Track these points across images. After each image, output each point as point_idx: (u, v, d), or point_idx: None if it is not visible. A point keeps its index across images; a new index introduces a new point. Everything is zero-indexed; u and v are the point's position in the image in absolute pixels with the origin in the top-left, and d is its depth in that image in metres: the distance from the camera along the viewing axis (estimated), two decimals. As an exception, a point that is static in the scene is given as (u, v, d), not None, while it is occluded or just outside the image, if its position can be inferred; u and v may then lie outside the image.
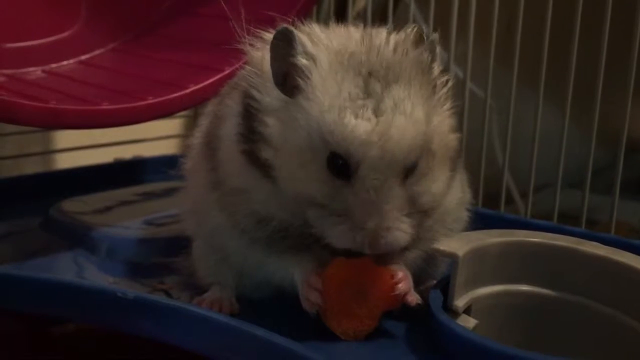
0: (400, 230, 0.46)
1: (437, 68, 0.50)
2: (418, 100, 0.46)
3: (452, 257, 0.48)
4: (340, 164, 0.45)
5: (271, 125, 0.47)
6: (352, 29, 0.51)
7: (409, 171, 0.46)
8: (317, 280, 0.49)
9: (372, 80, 0.46)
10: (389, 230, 0.45)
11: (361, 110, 0.45)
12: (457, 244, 0.50)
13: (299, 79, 0.47)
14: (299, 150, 0.46)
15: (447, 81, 0.51)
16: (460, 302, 0.49)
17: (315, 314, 0.50)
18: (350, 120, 0.44)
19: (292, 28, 0.47)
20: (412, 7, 0.82)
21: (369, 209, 0.45)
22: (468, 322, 0.48)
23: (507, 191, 0.78)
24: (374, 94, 0.45)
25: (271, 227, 0.50)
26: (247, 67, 0.51)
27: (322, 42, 0.48)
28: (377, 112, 0.45)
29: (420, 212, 0.47)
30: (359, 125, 0.44)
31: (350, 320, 0.50)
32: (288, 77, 0.47)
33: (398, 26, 0.51)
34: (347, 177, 0.45)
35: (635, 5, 0.64)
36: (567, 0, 0.68)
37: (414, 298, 0.50)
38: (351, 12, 0.89)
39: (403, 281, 0.49)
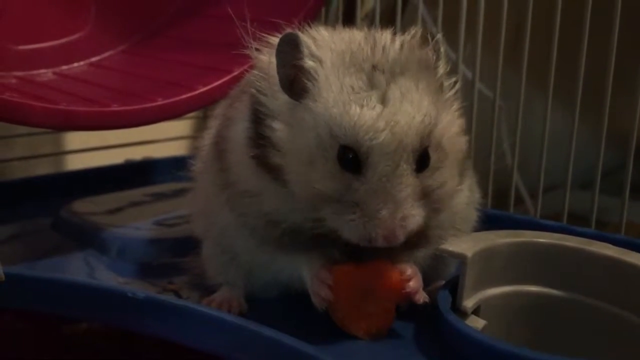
0: (415, 215, 0.45)
1: (442, 67, 0.50)
2: (424, 93, 0.46)
3: (461, 258, 0.48)
4: (350, 158, 0.45)
5: (279, 129, 0.47)
6: (357, 31, 0.51)
7: (421, 163, 0.46)
8: (327, 275, 0.49)
9: (377, 73, 0.46)
10: (404, 219, 0.45)
11: (365, 101, 0.45)
12: (465, 244, 0.50)
13: (306, 81, 0.47)
14: (308, 150, 0.46)
15: (455, 83, 0.51)
16: (469, 303, 0.49)
17: (324, 310, 0.50)
18: (355, 110, 0.45)
19: (296, 32, 0.48)
20: (421, 8, 0.82)
21: (381, 197, 0.44)
22: (477, 323, 0.48)
23: (517, 192, 0.77)
24: (379, 86, 0.46)
25: (282, 229, 0.50)
26: (255, 72, 0.51)
27: (326, 44, 0.48)
28: (383, 101, 0.45)
29: (432, 206, 0.47)
30: (364, 114, 0.44)
31: (367, 319, 0.50)
32: (295, 81, 0.48)
33: (406, 27, 0.51)
34: (358, 170, 0.45)
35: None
36: (577, 0, 0.68)
37: (421, 296, 0.50)
38: (359, 13, 0.89)
39: (413, 278, 0.49)
